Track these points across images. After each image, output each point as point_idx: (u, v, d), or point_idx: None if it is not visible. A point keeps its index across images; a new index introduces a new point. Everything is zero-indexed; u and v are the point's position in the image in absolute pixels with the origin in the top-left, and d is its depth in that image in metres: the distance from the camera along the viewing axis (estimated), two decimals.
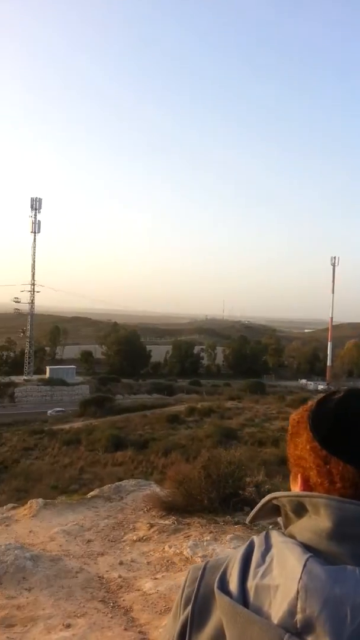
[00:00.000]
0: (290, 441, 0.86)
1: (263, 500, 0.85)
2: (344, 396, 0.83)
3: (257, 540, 0.79)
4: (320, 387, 75.22)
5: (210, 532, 5.48)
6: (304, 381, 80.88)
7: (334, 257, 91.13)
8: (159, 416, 44.01)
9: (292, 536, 0.78)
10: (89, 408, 48.82)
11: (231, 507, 6.10)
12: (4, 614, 3.92)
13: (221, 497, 6.13)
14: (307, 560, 0.70)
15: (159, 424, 40.81)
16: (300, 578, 0.68)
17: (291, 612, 0.67)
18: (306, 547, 0.74)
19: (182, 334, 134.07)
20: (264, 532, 0.81)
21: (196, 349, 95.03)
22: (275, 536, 0.79)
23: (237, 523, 5.75)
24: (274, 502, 0.83)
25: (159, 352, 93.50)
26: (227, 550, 5.09)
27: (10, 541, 5.10)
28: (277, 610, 0.69)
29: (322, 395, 0.87)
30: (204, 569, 0.83)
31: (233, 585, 0.76)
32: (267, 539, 0.79)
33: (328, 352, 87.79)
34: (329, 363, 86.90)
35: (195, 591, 0.81)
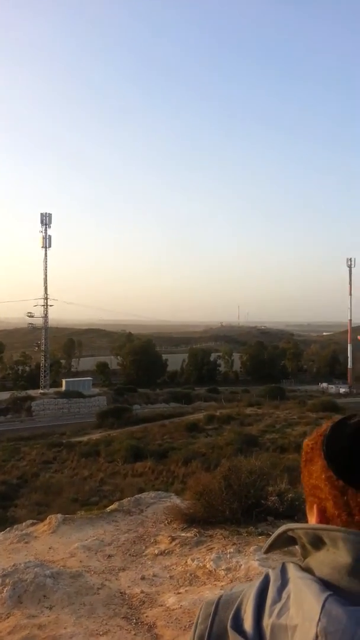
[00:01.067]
0: (304, 469, 0.81)
1: (278, 532, 0.80)
2: None
3: (273, 574, 0.75)
4: (342, 390, 74.35)
5: (234, 544, 5.34)
6: (324, 385, 79.94)
7: (350, 259, 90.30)
8: (177, 425, 43.82)
9: (309, 569, 0.72)
10: (107, 419, 48.80)
11: (254, 517, 5.96)
12: (25, 633, 3.84)
13: (243, 507, 5.98)
14: (326, 599, 0.65)
15: (178, 433, 40.61)
16: (319, 620, 0.63)
17: None
18: (325, 583, 0.68)
19: (197, 341, 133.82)
20: (279, 566, 0.76)
21: (212, 356, 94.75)
22: (292, 570, 0.73)
23: (260, 534, 5.60)
24: (290, 533, 0.78)
25: (175, 361, 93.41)
26: (251, 562, 4.95)
27: (30, 558, 5.03)
28: None
29: (337, 419, 0.81)
30: (217, 604, 0.79)
31: (248, 624, 0.71)
32: (284, 573, 0.74)
33: (348, 355, 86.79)
34: (349, 365, 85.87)
35: (208, 630, 0.76)
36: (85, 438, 41.72)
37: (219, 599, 0.80)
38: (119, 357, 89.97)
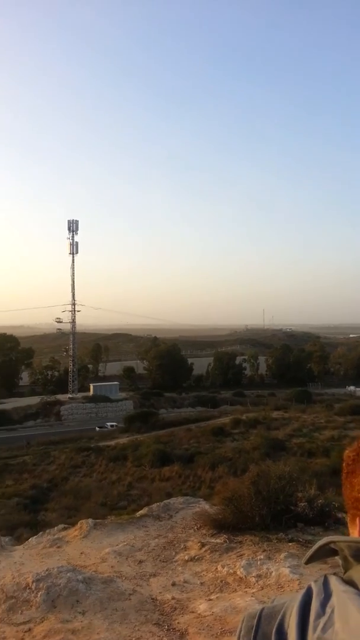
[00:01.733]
0: (346, 480, 0.80)
1: (319, 543, 0.80)
2: None
3: (315, 587, 0.74)
4: None
5: (264, 551, 5.32)
6: (352, 388, 78.46)
7: None
8: (203, 429, 43.68)
9: (352, 582, 0.72)
10: (134, 423, 49.04)
11: (283, 523, 5.92)
12: (59, 638, 3.90)
13: (272, 513, 5.95)
14: None
15: (204, 437, 40.47)
16: None
17: None
18: None
19: (222, 345, 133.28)
20: (321, 578, 0.75)
21: (238, 359, 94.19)
22: (335, 583, 0.73)
23: (291, 540, 5.56)
24: (332, 545, 0.78)
25: (201, 365, 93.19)
26: (282, 569, 4.92)
27: (63, 563, 5.11)
28: None
29: None
30: (260, 617, 0.78)
31: (292, 638, 0.70)
32: (326, 586, 0.73)
33: None
34: None
35: None
36: (113, 442, 41.98)
37: (261, 611, 0.78)
38: (144, 361, 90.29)
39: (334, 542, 0.77)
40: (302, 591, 0.76)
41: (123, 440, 42.91)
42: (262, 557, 5.16)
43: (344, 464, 0.82)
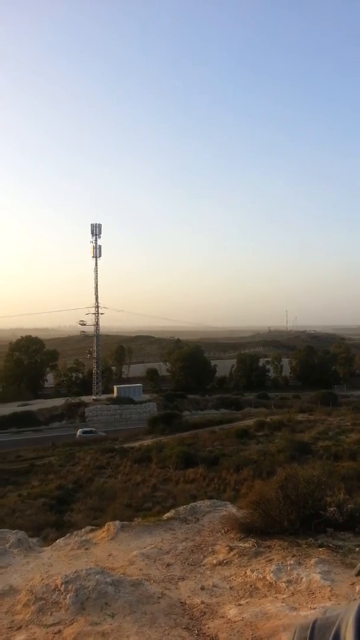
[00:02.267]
0: None
1: None
2: None
3: None
4: None
5: (293, 556, 5.23)
6: None
7: None
8: (227, 431, 43.53)
9: None
10: (158, 425, 49.17)
11: (313, 528, 5.82)
12: None
13: (301, 518, 5.85)
14: None
15: (229, 439, 40.32)
16: None
17: None
18: None
19: (245, 347, 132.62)
20: None
21: (261, 361, 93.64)
22: None
23: (321, 546, 5.46)
24: None
25: (224, 367, 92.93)
26: (313, 575, 4.82)
27: (91, 565, 5.12)
28: None
29: None
30: (313, 629, 0.74)
31: None
32: None
33: None
34: None
35: None
36: (137, 444, 42.17)
37: (314, 623, 0.76)
38: (168, 363, 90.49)
39: None
40: (357, 602, 0.72)
41: (147, 441, 43.04)
42: (291, 562, 5.07)
43: None
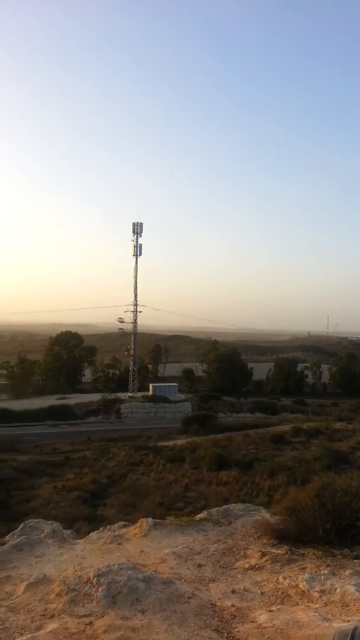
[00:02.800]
0: None
1: None
2: None
3: None
4: None
5: (328, 566, 5.12)
6: None
7: None
8: (262, 436, 43.09)
9: None
10: (192, 425, 49.19)
11: (349, 540, 5.68)
12: (119, 634, 3.93)
13: (337, 528, 5.72)
14: None
15: (263, 444, 39.90)
16: None
17: None
18: None
19: (283, 351, 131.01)
20: None
21: (299, 366, 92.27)
22: None
23: (356, 557, 5.32)
24: None
25: (261, 370, 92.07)
26: (347, 586, 4.71)
27: (123, 560, 5.16)
28: None
29: None
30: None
31: None
32: None
33: None
34: None
35: None
36: (170, 443, 42.32)
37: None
38: (204, 364, 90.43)
39: None
40: None
41: (181, 441, 43.13)
42: (325, 572, 4.96)
43: None
